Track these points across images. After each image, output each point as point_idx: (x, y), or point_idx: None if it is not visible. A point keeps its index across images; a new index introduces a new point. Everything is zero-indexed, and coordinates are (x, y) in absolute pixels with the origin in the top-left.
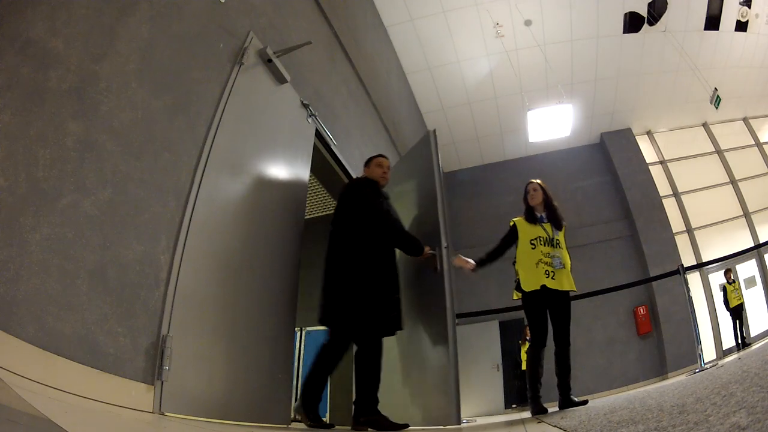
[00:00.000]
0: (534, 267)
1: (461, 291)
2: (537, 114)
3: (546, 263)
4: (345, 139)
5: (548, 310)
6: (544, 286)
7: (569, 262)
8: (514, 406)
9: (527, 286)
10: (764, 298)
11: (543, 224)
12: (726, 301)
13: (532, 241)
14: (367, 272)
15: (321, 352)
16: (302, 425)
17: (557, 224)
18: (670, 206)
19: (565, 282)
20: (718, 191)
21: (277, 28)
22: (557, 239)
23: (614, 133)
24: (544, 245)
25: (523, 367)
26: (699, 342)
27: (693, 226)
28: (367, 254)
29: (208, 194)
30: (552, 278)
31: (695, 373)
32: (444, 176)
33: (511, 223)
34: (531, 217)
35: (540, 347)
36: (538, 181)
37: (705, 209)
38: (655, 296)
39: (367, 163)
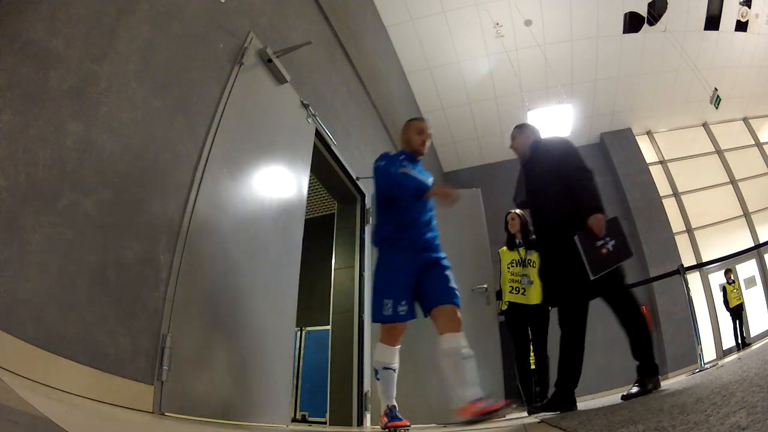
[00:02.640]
0: (506, 287)
1: None
2: (537, 114)
3: (515, 281)
4: (345, 139)
5: (527, 324)
6: (510, 303)
7: None
8: (514, 406)
9: (502, 306)
10: (764, 298)
11: (519, 248)
12: (726, 301)
13: (509, 265)
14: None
15: (570, 332)
16: (302, 425)
17: (530, 245)
18: (670, 206)
19: (533, 297)
20: (718, 191)
21: (277, 28)
22: (530, 259)
23: (614, 133)
24: (516, 266)
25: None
26: (699, 342)
27: (693, 226)
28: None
29: (208, 194)
30: (521, 294)
31: (695, 373)
32: (444, 176)
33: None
34: (510, 244)
35: (522, 359)
36: (517, 210)
37: (705, 209)
38: (655, 296)
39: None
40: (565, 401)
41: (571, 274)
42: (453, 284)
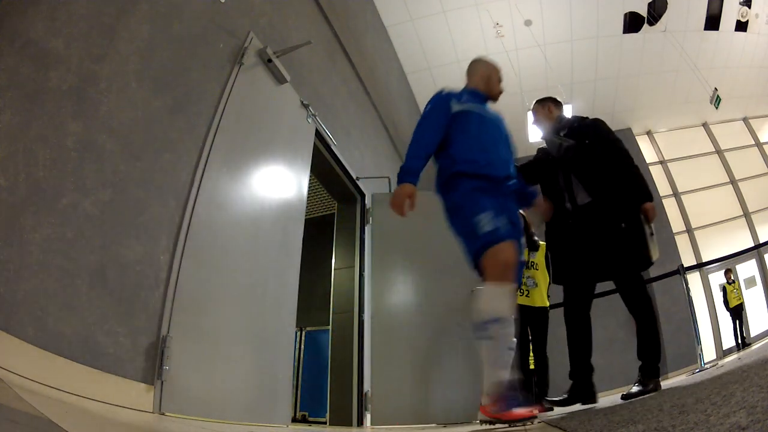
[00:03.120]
0: None
1: None
2: None
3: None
4: (345, 139)
5: (528, 325)
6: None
7: (547, 279)
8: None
9: None
10: (764, 298)
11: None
12: (726, 301)
13: None
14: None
15: (574, 320)
16: (302, 425)
17: (533, 247)
18: (670, 206)
19: (537, 299)
20: (718, 191)
21: (277, 28)
22: (533, 261)
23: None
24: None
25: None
26: (699, 342)
27: (693, 226)
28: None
29: (208, 194)
30: (525, 296)
31: (695, 373)
32: None
33: None
34: None
35: (522, 360)
36: (520, 210)
37: (705, 209)
38: (655, 296)
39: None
40: (582, 393)
41: (632, 246)
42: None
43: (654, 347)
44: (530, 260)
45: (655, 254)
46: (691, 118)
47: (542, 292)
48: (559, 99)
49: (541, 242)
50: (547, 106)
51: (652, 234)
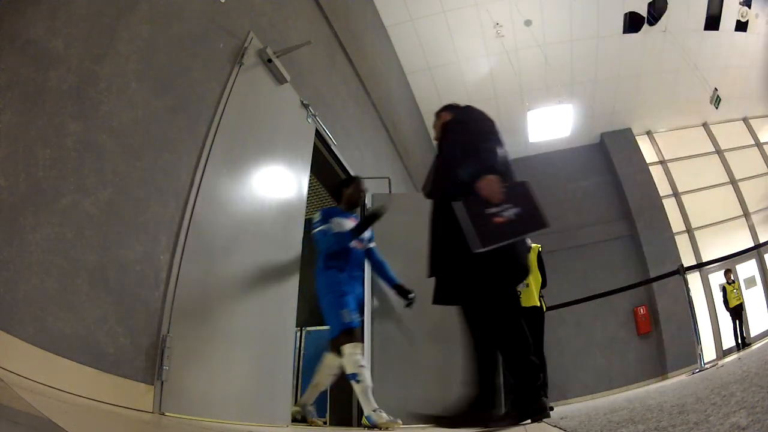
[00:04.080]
0: None
1: None
2: (537, 114)
3: None
4: (345, 139)
5: None
6: None
7: (538, 281)
8: None
9: None
10: (764, 298)
11: None
12: (726, 301)
13: None
14: None
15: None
16: (302, 426)
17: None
18: (670, 206)
19: (528, 299)
20: (718, 191)
21: (277, 28)
22: None
23: (614, 133)
24: None
25: None
26: (699, 342)
27: (693, 226)
28: None
29: (208, 194)
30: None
31: (695, 373)
32: None
33: None
34: None
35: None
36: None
37: (705, 209)
38: (655, 296)
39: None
40: (533, 407)
41: (441, 251)
42: None
43: (525, 378)
44: None
45: (488, 242)
46: (691, 118)
47: (533, 292)
48: (456, 104)
49: (533, 244)
50: (442, 116)
51: (496, 214)
